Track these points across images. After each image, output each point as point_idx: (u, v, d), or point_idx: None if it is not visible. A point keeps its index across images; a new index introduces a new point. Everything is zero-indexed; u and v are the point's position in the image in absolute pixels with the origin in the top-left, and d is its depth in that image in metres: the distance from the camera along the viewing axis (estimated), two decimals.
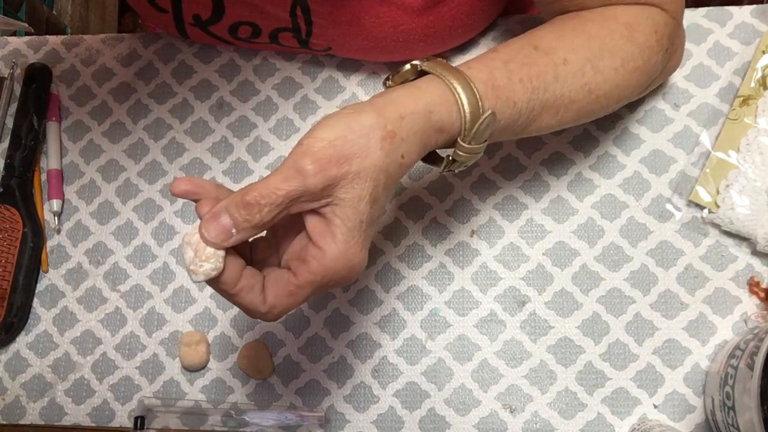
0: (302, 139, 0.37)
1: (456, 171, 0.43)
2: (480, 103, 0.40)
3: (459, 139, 0.40)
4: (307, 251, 0.38)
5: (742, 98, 0.58)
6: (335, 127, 0.37)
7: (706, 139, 0.58)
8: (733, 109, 0.58)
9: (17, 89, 0.68)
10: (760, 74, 0.58)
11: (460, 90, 0.39)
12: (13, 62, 0.69)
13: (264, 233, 0.42)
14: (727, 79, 0.60)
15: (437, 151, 0.43)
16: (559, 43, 0.45)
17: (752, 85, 0.58)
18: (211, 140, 0.65)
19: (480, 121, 0.39)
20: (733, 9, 0.61)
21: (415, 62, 0.42)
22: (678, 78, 0.60)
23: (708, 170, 0.57)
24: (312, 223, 0.38)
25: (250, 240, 0.40)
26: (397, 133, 0.37)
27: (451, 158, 0.42)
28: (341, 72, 0.65)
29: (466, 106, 0.39)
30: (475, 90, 0.40)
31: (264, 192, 0.36)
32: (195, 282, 0.38)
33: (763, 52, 0.58)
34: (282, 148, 0.63)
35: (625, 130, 0.60)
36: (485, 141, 0.41)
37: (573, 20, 0.48)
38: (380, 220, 0.41)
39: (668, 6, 0.49)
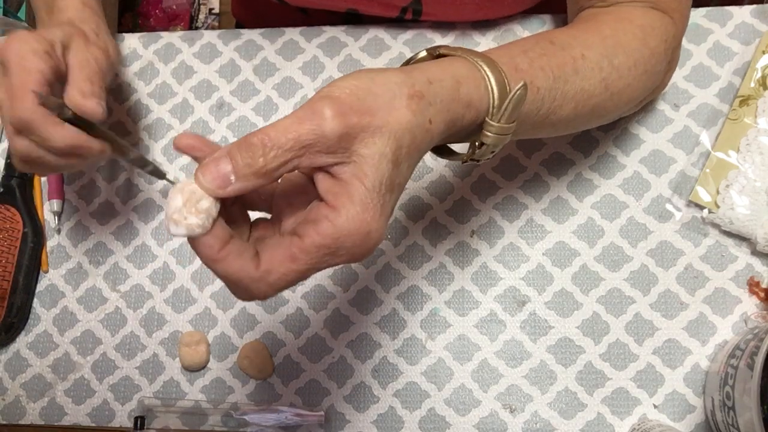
0: (322, 88, 0.33)
1: (481, 161, 0.41)
2: (506, 80, 0.38)
3: (487, 118, 0.38)
4: (318, 211, 0.33)
5: (742, 98, 0.58)
6: (359, 78, 0.33)
7: (706, 139, 0.58)
8: (733, 109, 0.58)
9: None
10: (760, 74, 0.58)
11: (486, 67, 0.37)
12: None
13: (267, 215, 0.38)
14: (727, 79, 0.60)
15: (452, 147, 0.42)
16: (574, 40, 0.45)
17: (752, 85, 0.58)
18: (211, 140, 0.64)
19: (511, 94, 0.37)
20: (733, 9, 0.61)
21: (430, 48, 0.40)
22: (678, 78, 0.60)
23: (708, 170, 0.57)
24: (325, 182, 0.33)
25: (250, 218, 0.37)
26: (425, 95, 0.34)
27: (477, 143, 0.39)
28: (341, 72, 0.65)
29: (494, 83, 0.37)
30: (500, 68, 0.38)
31: (272, 134, 0.31)
32: (172, 234, 0.32)
33: (763, 52, 0.58)
34: None
35: (625, 131, 0.60)
36: (514, 121, 0.39)
37: (588, 21, 0.48)
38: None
39: (678, 19, 0.50)
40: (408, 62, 0.41)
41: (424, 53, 0.40)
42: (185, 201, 0.32)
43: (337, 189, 0.32)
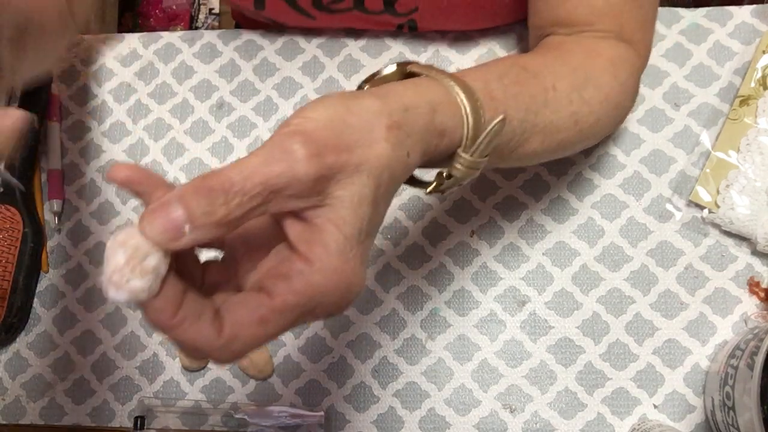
0: (289, 118, 0.29)
1: (445, 193, 0.37)
2: (482, 111, 0.35)
3: (459, 150, 0.35)
4: (290, 265, 0.28)
5: (742, 98, 0.58)
6: (332, 106, 0.29)
7: (706, 139, 0.58)
8: (733, 109, 0.58)
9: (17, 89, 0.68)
10: (760, 74, 0.58)
11: (462, 95, 0.34)
12: None
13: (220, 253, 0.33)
14: (727, 79, 0.60)
15: (416, 174, 0.37)
16: (546, 69, 0.43)
17: (752, 85, 0.58)
18: (211, 140, 0.65)
19: (489, 128, 0.35)
20: (733, 9, 0.61)
21: (400, 63, 0.37)
22: (678, 78, 0.60)
23: (708, 170, 0.57)
24: (296, 229, 0.29)
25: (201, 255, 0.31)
26: (403, 126, 0.30)
27: (445, 174, 0.36)
28: (341, 72, 0.65)
29: (470, 112, 0.34)
30: (476, 96, 0.35)
31: (235, 177, 0.26)
32: (112, 299, 0.27)
33: (764, 52, 0.58)
34: None
35: (625, 130, 0.60)
36: (487, 156, 0.36)
37: (557, 50, 0.47)
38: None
39: (642, 52, 0.49)
40: (373, 76, 0.37)
41: (393, 68, 0.36)
42: (128, 258, 0.26)
43: (310, 236, 0.28)
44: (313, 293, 0.28)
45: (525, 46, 0.62)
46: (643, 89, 0.60)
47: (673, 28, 0.62)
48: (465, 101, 0.34)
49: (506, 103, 0.38)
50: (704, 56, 0.61)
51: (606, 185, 0.59)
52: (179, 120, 0.66)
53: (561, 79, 0.43)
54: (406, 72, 0.36)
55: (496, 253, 0.59)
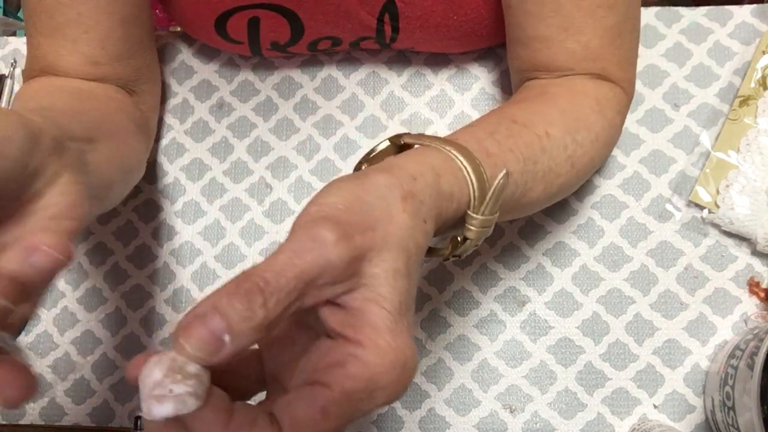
0: (307, 208, 0.28)
1: (462, 256, 0.37)
2: (482, 168, 0.35)
3: (469, 211, 0.34)
4: (340, 352, 0.27)
5: (742, 98, 0.58)
6: (346, 189, 0.29)
7: (706, 139, 0.58)
8: (733, 109, 0.58)
9: (17, 89, 0.68)
10: (760, 74, 0.58)
11: (461, 157, 0.34)
12: (13, 62, 0.69)
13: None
14: (727, 79, 0.60)
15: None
16: (535, 117, 0.43)
17: (752, 85, 0.58)
18: (211, 140, 0.65)
19: (495, 184, 0.35)
20: (733, 9, 0.61)
21: (392, 137, 0.37)
22: (678, 78, 0.60)
23: (708, 170, 0.57)
24: (336, 317, 0.27)
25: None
26: (416, 194, 0.30)
27: (460, 239, 0.36)
28: (341, 71, 0.65)
29: (472, 173, 0.34)
30: (474, 156, 0.35)
31: (269, 275, 0.25)
32: (155, 417, 0.24)
33: (763, 52, 0.58)
34: (282, 148, 0.63)
35: (624, 130, 0.60)
36: (497, 212, 0.36)
37: (542, 96, 0.47)
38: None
39: (627, 88, 0.49)
40: (369, 155, 0.37)
41: (386, 143, 0.37)
42: (166, 371, 0.24)
43: (353, 320, 0.27)
44: (370, 375, 0.26)
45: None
46: (642, 89, 0.60)
47: (673, 27, 0.62)
48: (465, 163, 0.34)
49: (504, 157, 0.38)
50: (704, 56, 0.61)
51: (606, 185, 0.59)
52: (179, 120, 0.66)
53: (552, 125, 0.43)
54: (399, 144, 0.37)
55: (496, 253, 0.59)
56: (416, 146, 0.36)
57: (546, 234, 0.59)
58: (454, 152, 0.34)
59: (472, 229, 0.35)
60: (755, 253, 0.56)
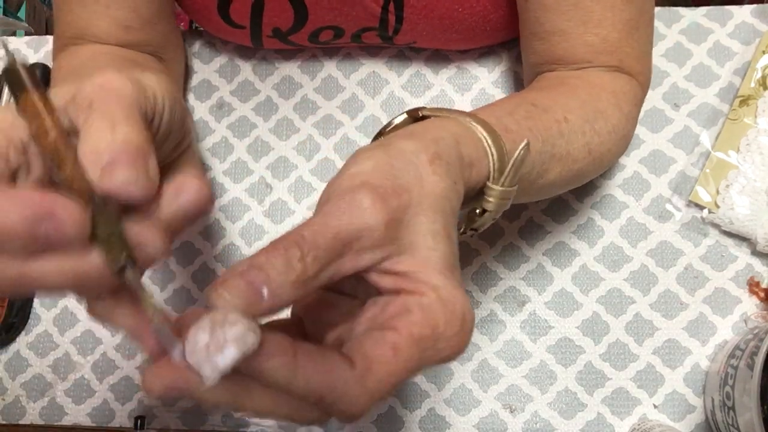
0: (337, 179, 0.28)
1: (479, 230, 0.37)
2: (502, 141, 0.34)
3: (489, 183, 0.34)
4: (402, 302, 0.27)
5: (742, 98, 0.58)
6: (373, 156, 0.29)
7: (706, 139, 0.58)
8: (733, 109, 0.58)
9: None
10: (760, 74, 0.58)
11: (480, 127, 0.34)
12: None
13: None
14: (727, 79, 0.60)
15: None
16: (555, 104, 0.44)
17: (752, 85, 0.58)
18: (211, 140, 0.65)
19: (516, 154, 0.34)
20: (733, 9, 0.61)
21: (410, 110, 0.37)
22: (678, 78, 0.60)
23: (708, 170, 0.57)
24: (386, 280, 0.27)
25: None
26: (442, 156, 0.30)
27: (479, 211, 0.35)
28: (341, 71, 0.65)
29: (491, 144, 0.34)
30: (493, 128, 0.34)
31: (306, 233, 0.26)
32: (222, 368, 0.23)
33: (763, 52, 0.58)
34: (282, 148, 0.63)
35: None
36: (516, 184, 0.35)
37: (561, 86, 0.47)
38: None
39: (643, 82, 0.50)
40: (386, 127, 0.37)
41: (403, 116, 0.37)
42: (211, 329, 0.23)
43: (407, 281, 0.27)
44: (435, 322, 0.26)
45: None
46: None
47: (673, 27, 0.62)
48: (484, 133, 0.34)
49: (522, 135, 0.38)
50: (704, 56, 0.61)
51: (606, 185, 0.59)
52: None
53: (571, 112, 0.43)
54: (417, 117, 0.37)
55: (496, 253, 0.59)
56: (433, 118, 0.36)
57: (546, 234, 0.59)
58: (474, 123, 0.34)
59: (491, 201, 0.34)
60: (755, 253, 0.56)
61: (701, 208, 0.57)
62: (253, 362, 0.24)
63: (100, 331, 0.61)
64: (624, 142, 0.49)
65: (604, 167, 0.49)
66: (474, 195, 0.35)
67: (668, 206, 0.58)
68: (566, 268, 0.58)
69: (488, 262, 0.59)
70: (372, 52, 0.65)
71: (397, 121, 0.37)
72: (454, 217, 0.30)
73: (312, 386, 0.25)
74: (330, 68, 0.65)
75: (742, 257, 0.56)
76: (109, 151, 0.25)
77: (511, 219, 0.59)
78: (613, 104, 0.46)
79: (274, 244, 0.25)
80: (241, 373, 0.24)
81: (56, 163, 0.25)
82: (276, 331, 0.25)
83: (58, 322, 0.62)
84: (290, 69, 0.65)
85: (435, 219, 0.28)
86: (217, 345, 0.23)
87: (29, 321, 0.62)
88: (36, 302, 0.62)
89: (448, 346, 0.26)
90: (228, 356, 0.23)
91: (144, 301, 0.26)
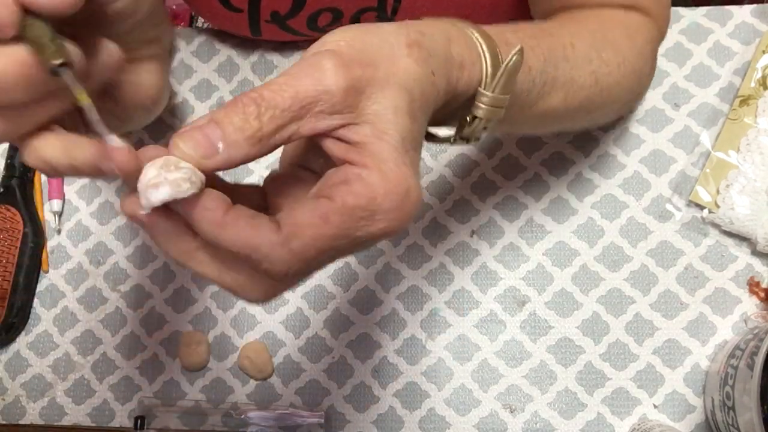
0: (312, 46, 0.29)
1: (470, 140, 0.36)
2: (498, 50, 0.34)
3: (480, 88, 0.33)
4: (346, 171, 0.27)
5: (742, 98, 0.58)
6: (350, 29, 0.29)
7: (706, 139, 0.58)
8: (733, 109, 0.58)
9: None
10: (760, 74, 0.58)
11: (475, 32, 0.33)
12: None
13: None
14: (727, 79, 0.60)
15: (433, 131, 0.36)
16: (562, 29, 0.43)
17: (752, 85, 0.58)
18: None
19: (508, 60, 0.33)
20: (733, 9, 0.61)
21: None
22: (678, 78, 0.60)
23: (708, 170, 0.57)
24: (340, 147, 0.28)
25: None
26: (423, 45, 0.30)
27: (468, 118, 0.35)
28: None
29: (486, 48, 0.33)
30: (490, 36, 0.34)
31: (266, 93, 0.26)
32: (152, 202, 0.26)
33: (763, 52, 0.58)
34: (282, 148, 0.63)
35: (625, 130, 0.60)
36: (508, 93, 0.35)
37: (571, 17, 0.47)
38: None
39: (661, 23, 0.49)
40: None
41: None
42: (161, 165, 0.26)
43: (358, 150, 0.28)
44: (373, 193, 0.27)
45: None
46: None
47: (673, 27, 0.62)
48: (480, 38, 0.34)
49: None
50: (704, 56, 0.61)
51: (606, 185, 0.59)
52: (179, 120, 0.66)
53: (578, 38, 0.43)
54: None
55: (496, 253, 0.59)
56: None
57: (546, 234, 0.59)
58: (470, 28, 0.34)
59: (482, 107, 0.34)
60: (755, 253, 0.56)
61: (701, 208, 0.57)
62: (187, 208, 0.26)
63: (100, 331, 0.61)
64: (635, 77, 0.47)
65: (614, 102, 0.47)
66: (465, 101, 0.34)
67: (668, 206, 0.58)
68: (566, 268, 0.58)
69: (488, 262, 0.59)
70: None
71: None
72: (425, 104, 0.30)
73: (238, 243, 0.26)
74: None
75: (742, 257, 0.56)
76: None
77: (510, 219, 0.59)
78: (625, 36, 0.46)
79: (234, 101, 0.27)
80: (185, 228, 0.27)
81: None
82: (217, 191, 0.27)
83: (58, 322, 0.62)
84: (289, 66, 0.65)
85: (399, 96, 0.28)
86: (157, 180, 0.25)
87: (29, 321, 0.62)
88: (36, 302, 0.62)
89: (385, 219, 0.27)
90: (161, 194, 0.25)
91: (81, 99, 0.27)
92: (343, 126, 0.28)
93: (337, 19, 0.58)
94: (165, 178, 0.25)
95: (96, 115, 0.27)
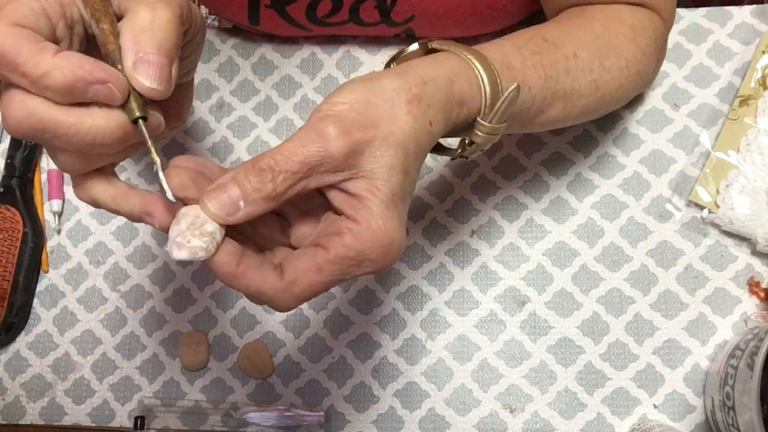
0: (319, 105, 0.33)
1: (469, 157, 0.41)
2: (498, 80, 0.37)
3: (479, 118, 0.38)
4: (340, 224, 0.33)
5: (742, 98, 0.58)
6: (355, 90, 0.33)
7: (706, 139, 0.58)
8: (733, 109, 0.58)
9: None
10: (760, 74, 0.58)
11: (478, 65, 0.37)
12: None
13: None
14: (727, 79, 0.60)
15: (441, 141, 0.41)
16: (568, 38, 0.45)
17: (752, 85, 0.58)
18: (211, 140, 0.65)
19: (504, 96, 0.37)
20: (733, 9, 0.61)
21: (422, 41, 0.40)
22: (678, 78, 0.60)
23: (708, 170, 0.57)
24: (339, 198, 0.33)
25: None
26: (423, 98, 0.34)
27: (467, 141, 0.39)
28: (341, 71, 0.65)
29: (486, 82, 0.37)
30: (492, 66, 0.38)
31: (278, 157, 0.32)
32: (174, 258, 0.32)
33: (763, 52, 0.58)
34: None
35: (625, 131, 0.60)
36: (505, 122, 0.38)
37: (579, 18, 0.48)
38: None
39: (667, 16, 0.50)
40: (399, 54, 0.40)
41: (415, 46, 0.40)
42: (189, 224, 0.32)
43: (353, 203, 0.33)
44: (361, 246, 0.32)
45: None
46: None
47: (673, 28, 0.61)
48: (481, 71, 0.37)
49: (524, 72, 0.40)
50: (704, 56, 0.61)
51: (606, 185, 0.59)
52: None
53: (582, 47, 0.44)
54: (428, 49, 0.39)
55: (496, 253, 0.59)
56: (442, 52, 0.39)
57: (546, 234, 0.59)
58: (474, 60, 0.37)
59: (480, 135, 0.38)
60: (755, 253, 0.56)
61: (701, 208, 0.57)
62: (208, 264, 0.33)
63: (100, 331, 0.61)
64: (638, 77, 0.49)
65: (616, 102, 0.49)
66: (466, 127, 0.38)
67: (668, 206, 0.58)
68: (566, 268, 0.58)
69: (488, 262, 0.59)
70: (372, 50, 0.65)
71: (410, 49, 0.40)
72: (419, 154, 0.34)
73: (249, 290, 0.33)
74: (330, 68, 0.65)
75: (742, 257, 0.56)
76: (144, 41, 0.31)
77: (510, 219, 0.59)
78: (630, 39, 0.47)
79: (253, 165, 0.32)
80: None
81: (95, 18, 0.32)
82: (232, 243, 0.33)
83: (58, 322, 0.61)
84: (290, 68, 0.65)
85: (396, 155, 0.33)
86: (181, 241, 0.32)
87: (29, 321, 0.62)
88: (36, 302, 0.62)
89: (371, 265, 0.33)
90: (181, 255, 0.32)
91: (153, 155, 0.34)
92: (345, 180, 0.33)
93: (336, 10, 0.58)
94: (188, 241, 0.32)
95: (162, 174, 0.34)
